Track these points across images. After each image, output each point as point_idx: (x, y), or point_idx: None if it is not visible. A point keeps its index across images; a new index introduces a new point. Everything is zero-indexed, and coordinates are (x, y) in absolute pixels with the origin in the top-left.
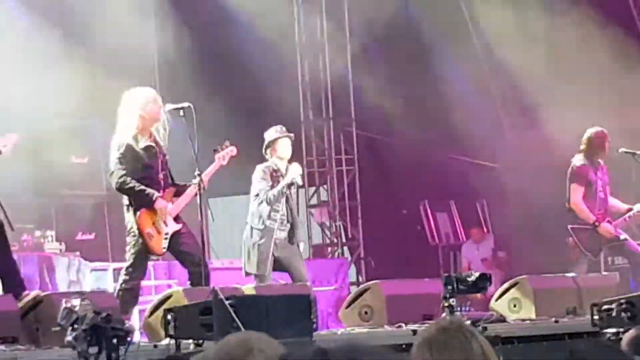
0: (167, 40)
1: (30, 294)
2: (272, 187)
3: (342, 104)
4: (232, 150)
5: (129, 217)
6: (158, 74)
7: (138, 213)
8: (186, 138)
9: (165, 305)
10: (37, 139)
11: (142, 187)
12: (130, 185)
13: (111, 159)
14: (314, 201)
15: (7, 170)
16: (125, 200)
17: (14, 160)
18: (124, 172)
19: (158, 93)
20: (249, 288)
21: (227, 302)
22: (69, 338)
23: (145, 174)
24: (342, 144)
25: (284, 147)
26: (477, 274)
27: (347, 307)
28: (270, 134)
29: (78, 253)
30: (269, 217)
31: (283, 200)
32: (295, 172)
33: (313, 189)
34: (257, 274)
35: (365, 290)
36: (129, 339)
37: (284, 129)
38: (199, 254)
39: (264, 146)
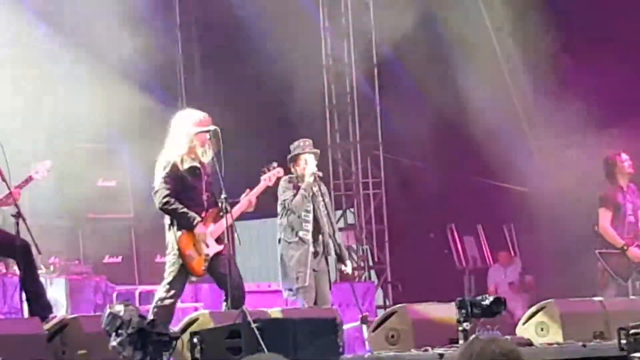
0: (193, 63)
1: (56, 317)
2: (294, 196)
3: (369, 127)
4: (278, 172)
5: (170, 237)
6: (185, 96)
7: (179, 234)
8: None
9: (192, 328)
10: (64, 162)
11: (185, 210)
12: (174, 206)
13: (156, 177)
14: (340, 224)
15: (35, 192)
16: (166, 219)
17: (42, 183)
18: (168, 192)
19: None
20: (275, 311)
21: (253, 325)
22: (113, 343)
23: (189, 195)
24: (369, 167)
25: (304, 163)
26: (491, 298)
27: (373, 331)
28: (294, 148)
29: (105, 276)
30: (300, 227)
31: (311, 209)
32: (311, 167)
33: (340, 212)
34: (299, 287)
35: (392, 314)
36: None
37: (307, 142)
38: (237, 276)
39: (288, 158)
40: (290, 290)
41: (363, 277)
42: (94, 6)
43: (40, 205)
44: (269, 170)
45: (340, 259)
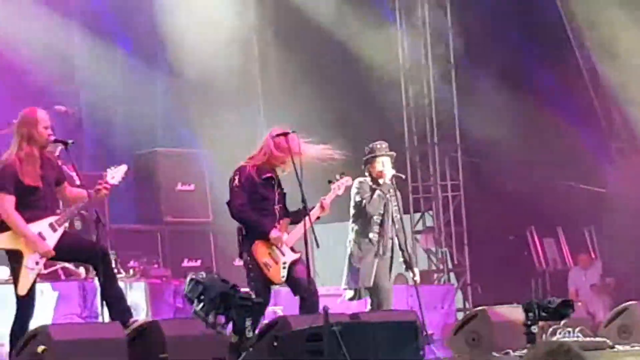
0: (269, 67)
1: (137, 321)
2: (371, 197)
3: (447, 129)
4: (347, 181)
5: (245, 247)
6: (262, 100)
7: (254, 245)
8: None
9: (272, 332)
10: (143, 167)
11: (258, 219)
12: (247, 214)
13: (230, 186)
14: (419, 227)
15: (114, 197)
16: (242, 232)
17: (121, 187)
18: (242, 200)
19: (262, 119)
20: (355, 314)
21: (335, 328)
22: (196, 309)
23: (262, 205)
24: (447, 169)
25: (381, 165)
26: (559, 300)
27: (454, 334)
28: (370, 150)
29: (184, 280)
30: (371, 229)
31: (382, 212)
32: (390, 169)
33: (418, 214)
34: (364, 287)
35: (472, 317)
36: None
37: (383, 145)
38: (311, 283)
39: (365, 160)
40: (351, 289)
41: (442, 280)
42: (172, 14)
43: (119, 209)
44: (337, 179)
45: (408, 267)
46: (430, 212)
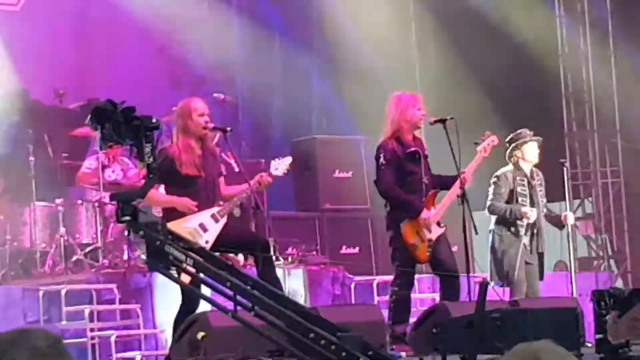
0: (428, 55)
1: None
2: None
3: (607, 115)
4: (493, 140)
5: (392, 225)
6: (419, 88)
7: (402, 225)
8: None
9: (431, 319)
10: (301, 154)
11: (407, 197)
12: (395, 193)
13: (377, 163)
14: (579, 214)
15: (273, 185)
16: (387, 208)
17: (279, 176)
18: (389, 178)
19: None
20: (514, 301)
21: (493, 316)
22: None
23: (409, 181)
24: (606, 155)
25: (532, 151)
26: (629, 290)
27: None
28: (516, 136)
29: (342, 267)
30: (515, 222)
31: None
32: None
33: (578, 201)
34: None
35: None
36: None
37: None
38: (453, 262)
39: (511, 148)
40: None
41: (602, 267)
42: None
43: (277, 196)
44: (482, 140)
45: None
46: (590, 199)
